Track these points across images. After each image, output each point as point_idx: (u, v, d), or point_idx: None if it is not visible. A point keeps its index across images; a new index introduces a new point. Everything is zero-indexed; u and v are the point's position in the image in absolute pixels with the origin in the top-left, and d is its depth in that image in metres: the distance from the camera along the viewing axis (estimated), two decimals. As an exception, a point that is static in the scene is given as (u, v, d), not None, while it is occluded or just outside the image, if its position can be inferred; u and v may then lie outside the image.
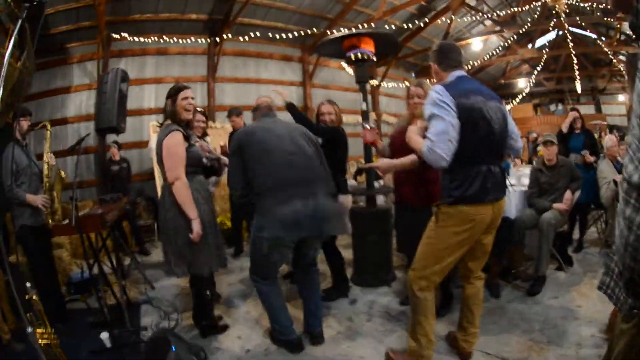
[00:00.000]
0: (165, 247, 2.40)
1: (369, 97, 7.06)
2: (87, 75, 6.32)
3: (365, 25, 7.58)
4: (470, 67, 10.38)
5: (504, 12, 9.29)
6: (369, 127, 2.74)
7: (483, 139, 1.87)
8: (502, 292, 3.04)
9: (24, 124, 2.86)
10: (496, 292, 3.00)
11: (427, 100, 1.86)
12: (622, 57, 11.83)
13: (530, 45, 11.59)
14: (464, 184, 1.86)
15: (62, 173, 3.18)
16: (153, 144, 5.91)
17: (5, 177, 2.60)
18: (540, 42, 12.73)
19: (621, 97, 16.47)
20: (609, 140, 3.99)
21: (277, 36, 7.25)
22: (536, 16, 9.40)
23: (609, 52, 10.56)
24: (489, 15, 9.28)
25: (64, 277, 3.71)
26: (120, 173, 5.24)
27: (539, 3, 8.63)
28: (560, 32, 11.11)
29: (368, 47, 3.39)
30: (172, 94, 2.39)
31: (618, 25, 10.22)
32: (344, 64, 7.61)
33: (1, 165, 2.62)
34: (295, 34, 7.28)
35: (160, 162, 2.31)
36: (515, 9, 8.98)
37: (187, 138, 2.36)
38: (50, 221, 2.86)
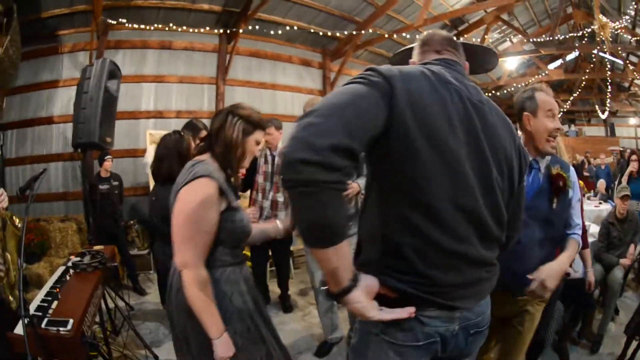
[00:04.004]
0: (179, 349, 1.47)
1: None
2: (78, 68, 5.34)
3: (394, 35, 6.81)
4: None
5: (534, 31, 8.73)
6: None
7: None
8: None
9: None
10: (566, 356, 2.81)
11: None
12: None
13: (554, 65, 11.15)
14: None
15: (17, 220, 2.13)
16: (149, 157, 5.12)
17: None
18: (557, 63, 12.40)
19: (632, 120, 16.29)
20: None
21: (298, 37, 6.44)
22: (583, 40, 8.97)
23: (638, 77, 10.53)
24: (530, 39, 8.67)
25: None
26: (109, 193, 4.31)
27: (589, 29, 8.19)
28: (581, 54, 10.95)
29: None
30: (246, 118, 1.43)
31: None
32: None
33: None
34: (321, 33, 6.46)
35: (167, 219, 1.35)
36: (557, 36, 8.42)
37: (225, 195, 1.36)
38: (9, 297, 1.91)
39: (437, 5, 7.35)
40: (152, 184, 4.88)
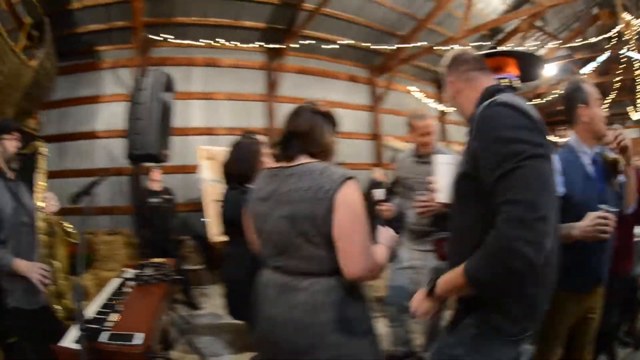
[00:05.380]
0: None
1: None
2: (120, 84, 5.53)
3: (440, 48, 6.80)
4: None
5: (566, 36, 8.65)
6: None
7: None
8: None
9: (9, 144, 1.88)
10: (614, 355, 2.70)
11: None
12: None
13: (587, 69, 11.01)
14: None
15: (68, 227, 2.09)
16: (204, 173, 5.03)
17: None
18: (590, 67, 12.24)
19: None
20: None
21: (344, 53, 6.50)
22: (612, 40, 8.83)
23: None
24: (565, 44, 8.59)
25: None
26: (160, 207, 4.25)
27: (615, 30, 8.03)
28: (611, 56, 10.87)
29: (514, 72, 2.54)
30: (330, 119, 1.45)
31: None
32: (411, 88, 6.76)
33: None
34: (367, 47, 6.51)
35: (323, 233, 1.19)
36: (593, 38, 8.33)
37: None
38: (56, 306, 1.87)
39: (473, 16, 7.33)
40: (205, 199, 4.88)
